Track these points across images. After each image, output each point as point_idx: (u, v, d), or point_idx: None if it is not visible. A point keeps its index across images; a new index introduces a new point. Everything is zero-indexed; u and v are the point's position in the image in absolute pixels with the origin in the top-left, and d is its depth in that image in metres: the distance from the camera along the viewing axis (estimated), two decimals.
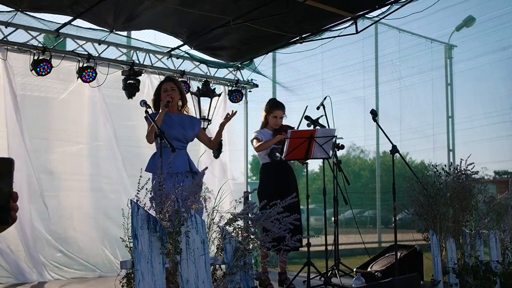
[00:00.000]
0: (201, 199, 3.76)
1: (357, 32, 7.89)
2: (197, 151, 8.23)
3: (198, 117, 8.42)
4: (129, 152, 7.99)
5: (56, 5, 6.80)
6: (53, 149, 7.60)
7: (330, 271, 6.54)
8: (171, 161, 5.13)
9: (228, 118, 5.85)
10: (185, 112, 5.85)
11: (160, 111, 5.42)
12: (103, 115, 7.90)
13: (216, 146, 6.18)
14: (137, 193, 3.54)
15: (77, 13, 6.92)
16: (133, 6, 6.86)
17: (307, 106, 6.57)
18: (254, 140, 6.50)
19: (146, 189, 3.60)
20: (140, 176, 3.61)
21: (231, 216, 3.97)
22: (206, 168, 4.10)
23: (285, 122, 6.70)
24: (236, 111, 6.02)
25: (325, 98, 6.74)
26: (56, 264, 7.17)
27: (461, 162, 5.96)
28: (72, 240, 7.51)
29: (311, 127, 6.29)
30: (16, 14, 6.72)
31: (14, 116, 6.96)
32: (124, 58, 8.13)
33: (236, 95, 9.10)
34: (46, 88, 7.55)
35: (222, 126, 5.85)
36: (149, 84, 8.34)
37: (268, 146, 6.43)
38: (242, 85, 9.32)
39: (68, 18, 7.08)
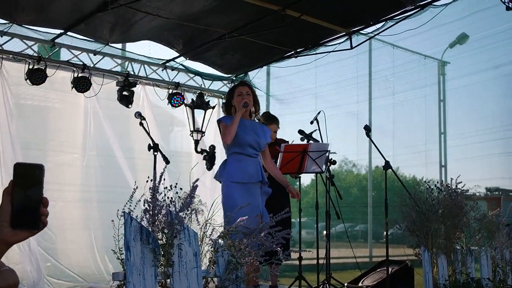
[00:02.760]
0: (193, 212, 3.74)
1: (351, 48, 7.95)
2: (189, 163, 8.27)
3: (192, 128, 8.43)
4: (122, 163, 7.98)
5: (52, 22, 6.83)
6: (46, 159, 7.57)
7: (321, 285, 6.53)
8: (245, 170, 5.07)
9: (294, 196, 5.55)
10: (256, 120, 5.54)
11: (237, 112, 5.11)
12: (97, 125, 7.91)
13: (269, 171, 5.87)
14: (127, 205, 3.51)
15: (72, 29, 6.97)
16: (129, 21, 6.89)
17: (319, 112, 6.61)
18: None
19: (139, 200, 3.59)
20: (133, 189, 3.60)
21: (224, 229, 3.97)
22: (197, 180, 4.08)
23: (278, 135, 6.73)
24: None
25: (318, 113, 6.77)
26: (46, 276, 7.12)
27: (451, 180, 5.98)
28: (63, 251, 7.47)
29: (305, 141, 6.32)
30: (11, 25, 6.74)
31: (7, 125, 6.95)
32: (119, 69, 8.14)
33: None
34: (40, 98, 7.55)
35: (287, 187, 5.56)
36: (143, 95, 8.36)
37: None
38: None
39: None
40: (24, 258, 6.98)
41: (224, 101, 9.13)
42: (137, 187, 3.58)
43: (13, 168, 1.36)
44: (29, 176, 1.36)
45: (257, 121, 5.55)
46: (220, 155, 8.84)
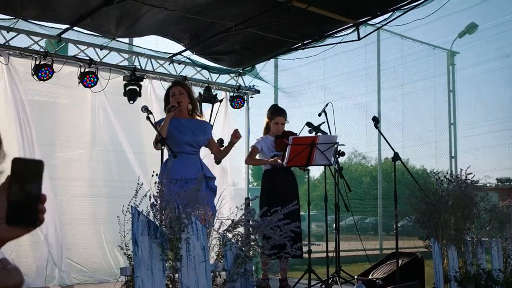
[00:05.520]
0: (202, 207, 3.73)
1: (359, 39, 7.88)
2: None
3: None
4: (131, 157, 7.97)
5: (57, 16, 6.82)
6: (54, 155, 7.58)
7: (331, 278, 6.51)
8: (182, 167, 5.12)
9: (237, 136, 5.67)
10: (196, 117, 5.71)
11: (166, 117, 5.34)
12: (105, 120, 7.89)
13: (222, 158, 6.05)
14: (133, 199, 3.51)
15: (78, 23, 6.96)
16: (135, 14, 6.86)
17: (327, 104, 6.64)
18: (250, 150, 6.62)
19: (145, 195, 3.58)
20: (137, 183, 3.59)
21: (232, 223, 3.95)
22: (203, 173, 4.06)
23: (287, 128, 6.70)
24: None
25: (327, 105, 6.73)
26: (55, 270, 7.13)
27: (461, 171, 5.94)
28: (72, 246, 7.49)
29: (313, 134, 6.28)
30: (17, 21, 6.73)
31: (19, 121, 6.96)
32: (126, 63, 8.12)
33: (237, 101, 9.09)
34: (47, 93, 7.53)
35: (231, 144, 5.76)
36: (151, 89, 8.34)
37: (260, 164, 6.52)
38: (244, 91, 9.31)
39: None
40: (39, 253, 7.01)
41: (231, 94, 9.16)
42: (142, 183, 3.57)
43: (11, 163, 1.33)
44: (28, 172, 1.32)
45: (198, 118, 5.72)
46: None
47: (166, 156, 5.38)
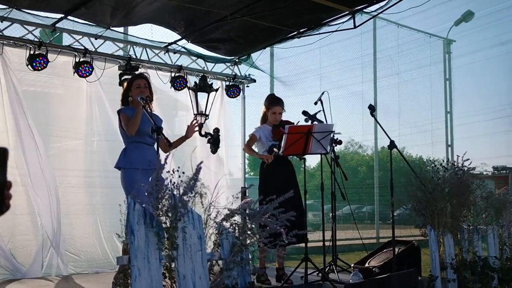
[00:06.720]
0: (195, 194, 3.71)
1: (355, 27, 7.85)
2: (194, 147, 8.21)
3: (195, 112, 8.39)
4: None
5: (52, 6, 6.78)
6: (50, 145, 7.55)
7: (328, 267, 6.52)
8: (145, 157, 5.21)
9: (192, 129, 5.83)
10: (149, 110, 5.74)
11: (139, 106, 5.39)
12: (100, 110, 7.86)
13: (168, 151, 6.05)
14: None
15: (72, 13, 6.92)
16: (129, 3, 6.82)
17: (323, 92, 6.63)
18: (249, 138, 6.60)
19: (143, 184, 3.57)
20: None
21: (228, 212, 3.94)
22: (201, 162, 4.03)
23: (283, 117, 6.68)
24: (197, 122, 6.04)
25: (322, 93, 6.71)
26: (53, 260, 7.13)
27: (457, 158, 5.94)
28: (69, 236, 7.47)
29: (309, 122, 6.27)
30: (11, 10, 6.69)
31: (19, 111, 6.93)
32: (121, 53, 8.08)
33: (233, 90, 9.07)
34: (42, 83, 7.50)
35: (185, 138, 5.88)
36: None
37: (252, 155, 6.58)
38: (240, 80, 9.28)
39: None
40: (36, 243, 7.00)
41: (227, 83, 9.13)
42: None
43: None
44: None
45: (149, 111, 5.74)
46: (225, 138, 8.80)
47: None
